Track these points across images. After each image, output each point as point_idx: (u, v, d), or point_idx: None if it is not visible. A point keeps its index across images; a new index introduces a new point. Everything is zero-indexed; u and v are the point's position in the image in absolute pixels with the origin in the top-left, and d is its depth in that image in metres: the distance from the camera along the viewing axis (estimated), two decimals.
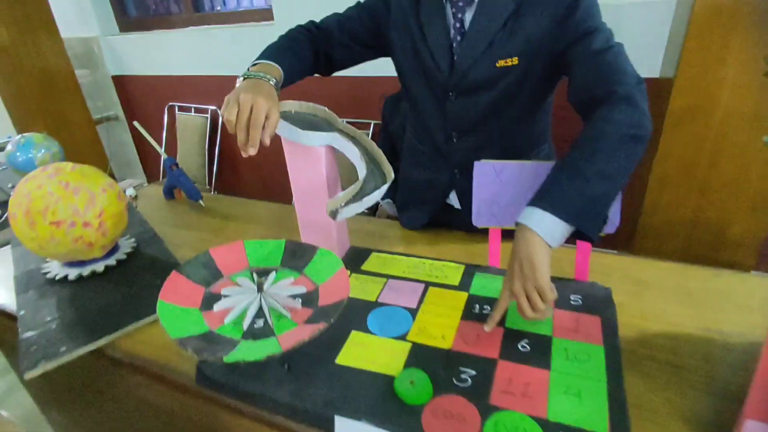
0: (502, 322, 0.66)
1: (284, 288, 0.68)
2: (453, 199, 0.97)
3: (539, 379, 0.56)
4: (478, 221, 0.77)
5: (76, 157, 2.58)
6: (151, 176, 2.87)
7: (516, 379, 0.56)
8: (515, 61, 0.78)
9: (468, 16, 0.79)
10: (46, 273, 0.91)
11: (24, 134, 1.08)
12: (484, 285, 0.75)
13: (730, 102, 1.12)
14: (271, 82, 0.73)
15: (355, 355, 0.62)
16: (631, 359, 0.61)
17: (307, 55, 0.89)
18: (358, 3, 0.94)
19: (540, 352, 0.60)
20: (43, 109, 2.21)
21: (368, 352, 0.63)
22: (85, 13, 2.37)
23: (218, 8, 2.31)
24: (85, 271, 0.90)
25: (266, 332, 0.62)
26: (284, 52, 0.84)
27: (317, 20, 0.94)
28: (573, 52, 0.73)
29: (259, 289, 0.67)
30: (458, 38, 0.81)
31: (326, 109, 0.82)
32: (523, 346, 0.61)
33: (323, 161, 0.75)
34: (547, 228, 0.62)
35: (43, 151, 1.08)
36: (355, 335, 0.66)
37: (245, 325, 0.62)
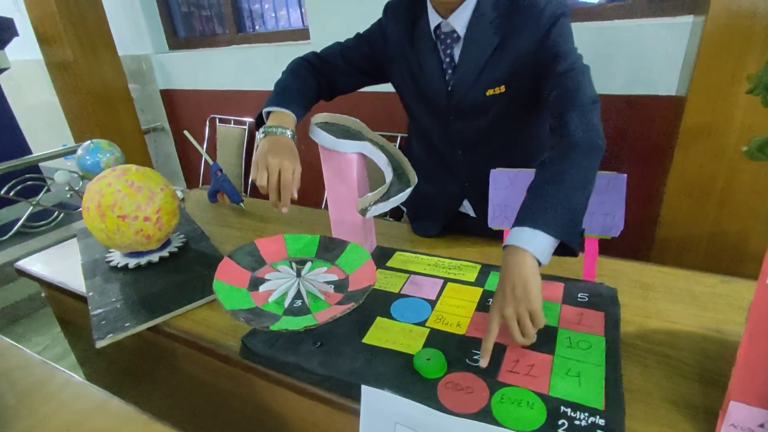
0: None
1: (319, 275, 0.78)
2: (467, 208, 1.05)
3: (543, 362, 0.63)
4: (493, 223, 0.84)
5: (127, 164, 2.76)
6: (191, 184, 3.06)
7: (522, 361, 0.63)
8: (502, 89, 0.86)
9: (456, 51, 0.89)
10: (109, 261, 1.04)
11: (92, 140, 1.23)
12: (497, 282, 0.82)
13: (746, 118, 1.15)
14: (288, 135, 0.81)
15: (379, 336, 0.70)
16: (630, 351, 0.66)
17: (311, 88, 0.97)
18: (358, 34, 1.02)
19: (545, 340, 0.67)
20: (99, 120, 2.42)
21: (391, 335, 0.71)
22: (140, 33, 2.60)
23: (257, 28, 2.49)
24: (143, 261, 1.02)
25: (303, 310, 0.71)
26: (292, 93, 0.90)
27: (320, 50, 1.03)
28: (545, 75, 0.81)
29: (298, 274, 0.76)
30: (449, 71, 0.90)
31: (359, 120, 0.91)
32: None
33: (355, 166, 0.84)
34: (538, 246, 0.63)
35: (108, 155, 1.22)
36: (379, 320, 0.74)
37: (286, 303, 0.72)
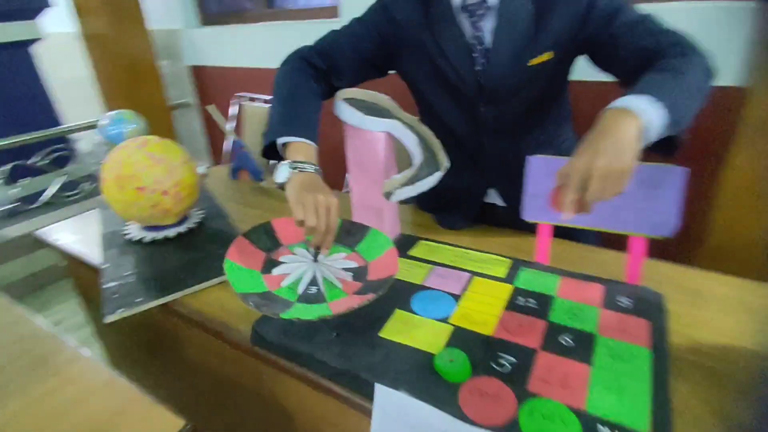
0: (544, 316, 0.66)
1: (337, 261, 0.73)
2: (493, 197, 0.97)
3: (579, 372, 0.56)
4: (528, 215, 0.77)
5: None
6: (216, 161, 3.06)
7: (555, 369, 0.57)
8: (550, 55, 0.79)
9: (487, 25, 0.80)
10: (126, 234, 1.02)
11: (117, 110, 1.20)
12: (529, 279, 0.75)
13: None
14: (317, 172, 0.74)
15: (397, 330, 0.65)
16: (677, 365, 0.59)
17: (318, 100, 0.85)
18: (359, 21, 0.90)
19: (582, 347, 0.60)
20: (129, 94, 2.42)
21: (410, 330, 0.65)
22: (171, 7, 2.58)
23: (289, 6, 2.43)
24: (159, 235, 1.00)
25: (318, 298, 0.66)
26: (305, 114, 0.81)
27: (315, 43, 0.90)
28: (610, 29, 0.74)
29: (315, 259, 0.72)
30: (479, 48, 0.81)
31: (389, 98, 0.85)
32: (565, 340, 0.62)
33: (381, 146, 0.78)
34: (650, 117, 0.56)
35: (131, 126, 1.20)
36: (399, 313, 0.69)
37: (300, 289, 0.67)
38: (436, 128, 0.87)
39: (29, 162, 2.15)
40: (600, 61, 0.80)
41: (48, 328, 0.79)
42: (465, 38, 0.81)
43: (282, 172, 0.72)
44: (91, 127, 2.32)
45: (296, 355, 0.64)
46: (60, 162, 2.26)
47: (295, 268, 0.71)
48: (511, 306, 0.69)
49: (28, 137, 2.10)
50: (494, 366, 0.58)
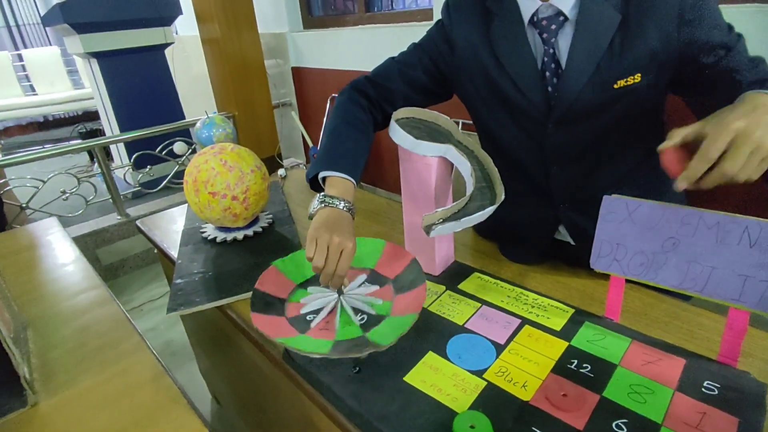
0: (599, 389, 0.56)
1: (363, 295, 0.71)
2: (563, 234, 0.86)
3: None
4: (596, 264, 0.66)
5: (255, 136, 3.02)
6: (309, 159, 3.22)
7: None
8: (637, 78, 0.67)
9: (563, 41, 0.70)
10: (203, 232, 1.11)
11: (209, 115, 1.31)
12: (590, 338, 0.65)
13: None
14: (346, 211, 0.72)
15: (424, 377, 0.61)
16: None
17: (369, 135, 0.83)
18: (417, 45, 0.86)
19: None
20: (238, 93, 2.65)
21: (439, 379, 0.60)
22: (279, 12, 2.75)
23: (393, 6, 2.44)
24: (229, 237, 1.06)
25: (376, 319, 0.67)
26: (349, 150, 0.78)
27: (373, 72, 0.88)
28: (717, 67, 0.65)
29: (339, 292, 0.70)
30: (552, 66, 0.71)
31: (448, 118, 0.80)
32: (618, 426, 0.51)
33: (434, 172, 0.73)
34: None
35: (220, 130, 1.30)
36: (430, 356, 0.64)
37: (316, 321, 0.66)
38: (497, 155, 0.80)
39: (156, 151, 2.47)
40: (680, 87, 0.70)
41: (123, 314, 0.89)
42: (534, 56, 0.73)
43: (313, 205, 0.72)
44: (193, 125, 2.58)
45: (318, 383, 0.63)
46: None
47: (317, 298, 0.70)
48: (561, 369, 0.60)
49: (148, 131, 2.42)
50: None
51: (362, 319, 0.69)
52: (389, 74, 0.86)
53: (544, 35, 0.72)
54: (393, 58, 0.88)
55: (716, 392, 0.55)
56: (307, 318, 0.70)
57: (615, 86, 0.69)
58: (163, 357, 1.91)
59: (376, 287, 0.74)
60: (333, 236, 0.66)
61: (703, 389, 0.55)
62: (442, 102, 0.90)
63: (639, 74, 0.68)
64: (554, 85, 0.72)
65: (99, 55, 2.69)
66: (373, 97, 0.85)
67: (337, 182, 0.74)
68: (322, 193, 0.74)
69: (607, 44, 0.67)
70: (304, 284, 0.78)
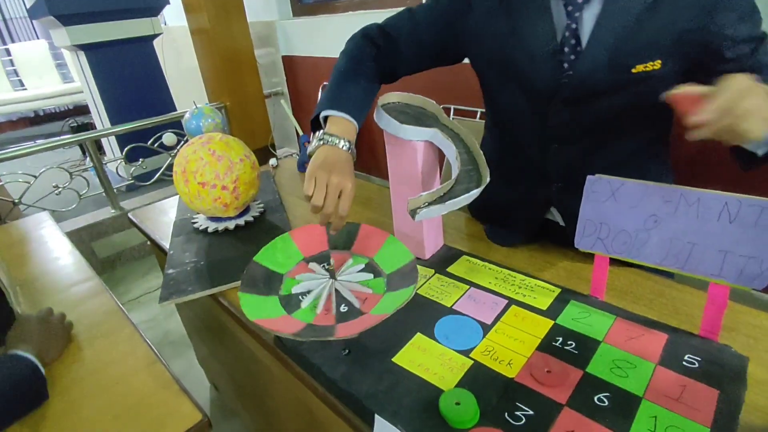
0: (583, 364, 0.57)
1: (353, 274, 0.71)
2: (555, 215, 0.86)
3: None
4: (581, 243, 0.67)
5: (248, 127, 2.99)
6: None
7: None
8: (657, 65, 0.65)
9: (588, 16, 0.68)
10: (194, 222, 1.11)
11: (198, 105, 1.31)
12: (575, 316, 0.66)
13: None
14: (346, 149, 0.71)
15: (412, 357, 0.62)
16: None
17: (374, 81, 0.82)
18: (437, 2, 0.82)
19: (620, 412, 0.51)
20: (228, 83, 2.62)
21: (427, 359, 0.61)
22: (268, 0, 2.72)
23: None
24: (220, 226, 1.07)
25: (356, 314, 0.66)
26: (354, 92, 0.77)
27: (386, 21, 0.85)
28: (735, 49, 0.62)
29: (332, 275, 0.71)
30: (572, 42, 0.69)
31: (435, 103, 0.80)
32: (600, 400, 0.53)
33: (420, 156, 0.73)
34: None
35: (209, 120, 1.29)
36: (419, 338, 0.65)
37: (318, 310, 0.67)
38: (499, 127, 0.79)
39: (148, 144, 2.46)
40: (695, 78, 0.66)
41: (117, 304, 0.89)
42: (554, 29, 0.70)
43: (312, 143, 0.71)
44: (181, 117, 2.57)
45: (309, 365, 0.64)
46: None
47: (312, 286, 0.71)
48: (546, 346, 0.61)
49: (139, 123, 2.40)
50: (507, 416, 0.52)
51: (345, 309, 0.68)
52: (400, 30, 0.82)
53: (569, 8, 0.68)
54: (410, 10, 0.84)
55: (697, 365, 0.56)
56: (300, 297, 0.71)
57: (633, 70, 0.66)
58: (161, 347, 1.93)
59: (362, 265, 0.75)
60: (332, 176, 0.66)
61: (684, 363, 0.56)
62: (445, 66, 0.88)
63: (660, 60, 0.65)
64: (570, 62, 0.70)
65: (86, 48, 2.65)
66: (382, 48, 0.83)
67: (339, 121, 0.73)
68: (322, 131, 0.72)
69: (632, 23, 0.64)
70: (291, 273, 0.78)
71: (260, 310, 0.66)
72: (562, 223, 0.86)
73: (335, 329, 0.62)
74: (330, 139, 0.71)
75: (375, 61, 0.82)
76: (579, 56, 0.69)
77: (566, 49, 0.70)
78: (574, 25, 0.69)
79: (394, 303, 0.62)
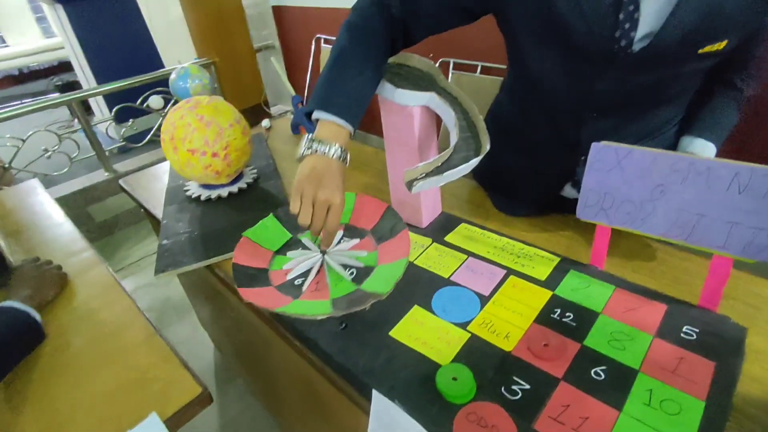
0: (580, 337, 0.57)
1: (344, 250, 0.70)
2: (567, 191, 0.82)
3: (602, 418, 0.48)
4: (583, 213, 0.65)
5: (238, 84, 2.88)
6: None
7: (575, 408, 0.49)
8: (722, 44, 0.59)
9: None
10: (186, 190, 1.08)
11: (183, 65, 1.24)
12: (574, 287, 0.65)
13: None
14: (337, 157, 0.64)
15: (410, 331, 0.61)
16: (742, 426, 0.48)
17: (377, 66, 0.69)
18: None
19: (616, 385, 0.51)
20: (216, 38, 2.50)
21: (424, 332, 0.61)
22: None
23: None
24: (213, 194, 1.04)
25: (366, 271, 0.66)
26: (353, 84, 0.66)
27: None
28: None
29: (322, 251, 0.69)
30: (630, 8, 0.59)
31: (432, 63, 0.75)
32: (597, 373, 0.53)
33: (416, 122, 0.70)
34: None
35: (196, 81, 1.23)
36: (416, 311, 0.64)
37: (306, 285, 0.66)
38: (527, 93, 0.73)
39: (137, 104, 2.37)
40: None
41: (113, 277, 0.89)
42: None
43: (301, 146, 0.66)
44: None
45: (306, 339, 0.64)
46: (165, 102, 2.46)
47: (301, 262, 0.70)
48: (544, 319, 0.61)
49: (126, 83, 2.30)
50: (503, 390, 0.52)
51: (352, 273, 0.69)
52: None
53: None
54: None
55: (695, 337, 0.56)
56: (296, 282, 0.70)
57: (700, 51, 0.60)
58: (164, 311, 1.95)
59: (356, 240, 0.73)
60: (319, 191, 0.62)
61: (681, 334, 0.56)
62: (468, 24, 0.75)
63: (726, 40, 0.59)
64: (625, 30, 0.61)
65: (64, 1, 2.50)
66: (396, 16, 0.69)
67: (331, 126, 0.65)
68: (312, 136, 0.65)
69: (718, 3, 0.56)
70: (282, 250, 0.77)
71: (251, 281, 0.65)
72: (575, 196, 0.82)
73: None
74: (319, 147, 0.64)
75: (386, 33, 0.70)
76: (634, 25, 0.61)
77: (622, 16, 0.61)
78: None
79: (385, 277, 0.61)
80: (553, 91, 0.73)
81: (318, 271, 0.70)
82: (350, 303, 0.61)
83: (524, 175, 0.83)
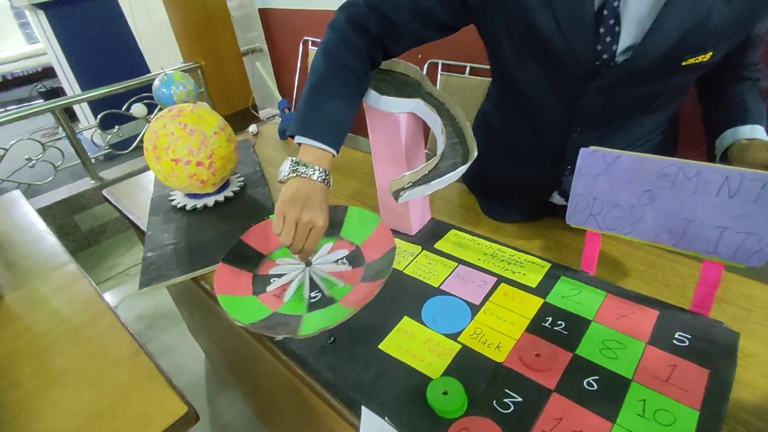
0: (572, 346, 0.56)
1: (326, 256, 0.69)
2: (556, 199, 0.82)
3: (596, 430, 0.47)
4: (572, 220, 0.64)
5: (225, 88, 2.85)
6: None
7: (567, 421, 0.48)
8: (707, 56, 0.59)
9: None
10: (171, 200, 1.06)
11: (166, 71, 1.21)
12: (565, 294, 0.64)
13: None
14: (321, 180, 0.65)
15: (399, 343, 0.60)
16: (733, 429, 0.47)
17: (356, 87, 0.67)
18: None
19: (609, 396, 0.50)
20: (202, 41, 2.47)
21: (414, 344, 0.60)
22: None
23: None
24: (199, 203, 1.02)
25: (327, 301, 0.64)
26: (332, 112, 0.66)
27: None
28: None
29: (307, 264, 0.68)
30: (611, 22, 0.59)
31: (418, 69, 0.73)
32: (589, 384, 0.52)
33: (403, 129, 0.69)
34: None
35: (180, 87, 1.20)
36: (406, 322, 0.63)
37: (306, 298, 0.64)
38: (513, 108, 0.73)
39: (123, 110, 2.33)
40: None
41: (95, 291, 0.86)
42: (593, 5, 0.59)
43: (283, 169, 0.65)
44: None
45: (293, 355, 0.62)
46: (149, 109, 2.42)
47: (289, 279, 0.68)
48: (535, 327, 0.60)
49: (110, 89, 2.27)
50: (495, 404, 0.51)
51: (315, 296, 0.67)
52: (397, 3, 0.67)
53: None
54: None
55: (687, 344, 0.55)
56: (271, 281, 0.69)
57: (684, 63, 0.59)
58: (153, 319, 1.92)
59: (348, 268, 0.70)
60: (302, 213, 0.62)
61: (674, 341, 0.56)
62: (447, 36, 0.74)
63: (712, 52, 0.58)
64: (605, 45, 0.61)
65: (46, 7, 2.46)
66: (374, 34, 0.68)
67: (313, 151, 0.66)
68: (295, 159, 0.66)
69: (705, 15, 0.55)
70: (261, 271, 0.75)
71: (245, 313, 0.63)
72: (564, 203, 0.81)
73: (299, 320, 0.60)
74: (303, 170, 0.64)
75: (364, 57, 0.69)
76: (615, 39, 0.61)
77: (602, 30, 0.60)
78: (615, 2, 0.58)
79: (326, 320, 0.59)
80: (537, 103, 0.72)
81: (293, 280, 0.69)
82: (271, 326, 0.60)
83: (512, 183, 0.83)
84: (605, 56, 0.62)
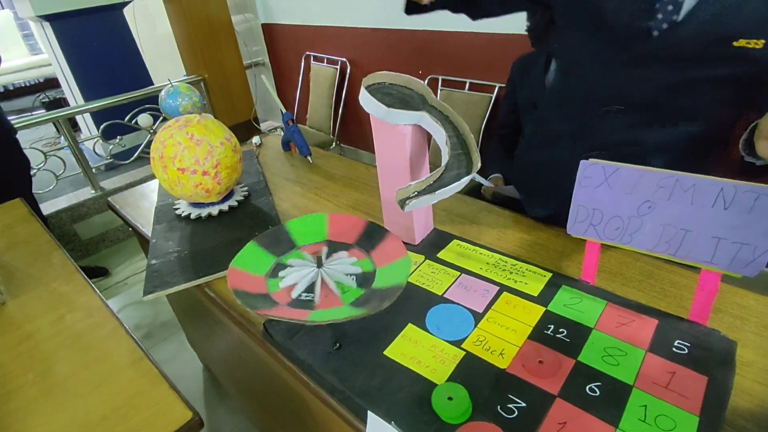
0: (574, 353, 0.57)
1: (340, 259, 0.71)
2: None
3: None
4: (573, 229, 0.66)
5: (228, 100, 2.89)
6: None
7: (571, 426, 0.49)
8: (759, 44, 0.59)
9: None
10: (176, 209, 1.07)
11: (173, 83, 1.24)
12: (566, 302, 0.65)
13: None
14: None
15: (404, 350, 0.61)
16: None
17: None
18: None
19: (611, 401, 0.51)
20: (206, 54, 2.51)
21: (418, 351, 0.61)
22: None
23: None
24: (204, 212, 1.03)
25: (334, 303, 0.65)
26: None
27: None
28: None
29: (319, 263, 0.69)
30: None
31: (422, 82, 0.76)
32: (592, 389, 0.53)
33: (408, 141, 0.70)
34: None
35: (186, 99, 1.23)
36: (410, 329, 0.64)
37: (316, 297, 0.66)
38: (558, 84, 0.75)
39: (126, 120, 2.36)
40: None
41: (98, 297, 0.87)
42: None
43: None
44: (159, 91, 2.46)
45: (298, 361, 0.63)
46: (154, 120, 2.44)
47: (299, 278, 0.69)
48: (538, 335, 0.61)
49: (113, 100, 2.29)
50: (499, 409, 0.52)
51: (354, 278, 0.69)
52: None
53: None
54: None
55: (686, 351, 0.56)
56: (302, 297, 0.68)
57: (735, 44, 0.60)
58: (152, 328, 1.91)
59: (345, 252, 0.74)
60: None
61: (673, 349, 0.57)
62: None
63: (765, 40, 0.58)
64: (660, 19, 0.62)
65: (51, 18, 2.49)
66: None
67: None
68: None
69: None
70: (271, 274, 0.75)
71: (260, 302, 0.64)
72: None
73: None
74: None
75: None
76: (678, 7, 0.62)
77: (657, 5, 0.63)
78: None
79: (394, 274, 0.61)
80: (581, 79, 0.75)
81: (321, 283, 0.69)
82: (380, 297, 0.61)
83: (547, 167, 0.86)
84: (665, 25, 0.63)
